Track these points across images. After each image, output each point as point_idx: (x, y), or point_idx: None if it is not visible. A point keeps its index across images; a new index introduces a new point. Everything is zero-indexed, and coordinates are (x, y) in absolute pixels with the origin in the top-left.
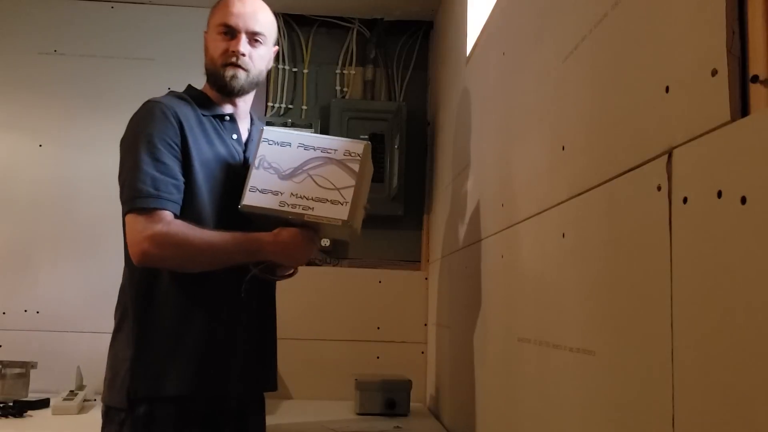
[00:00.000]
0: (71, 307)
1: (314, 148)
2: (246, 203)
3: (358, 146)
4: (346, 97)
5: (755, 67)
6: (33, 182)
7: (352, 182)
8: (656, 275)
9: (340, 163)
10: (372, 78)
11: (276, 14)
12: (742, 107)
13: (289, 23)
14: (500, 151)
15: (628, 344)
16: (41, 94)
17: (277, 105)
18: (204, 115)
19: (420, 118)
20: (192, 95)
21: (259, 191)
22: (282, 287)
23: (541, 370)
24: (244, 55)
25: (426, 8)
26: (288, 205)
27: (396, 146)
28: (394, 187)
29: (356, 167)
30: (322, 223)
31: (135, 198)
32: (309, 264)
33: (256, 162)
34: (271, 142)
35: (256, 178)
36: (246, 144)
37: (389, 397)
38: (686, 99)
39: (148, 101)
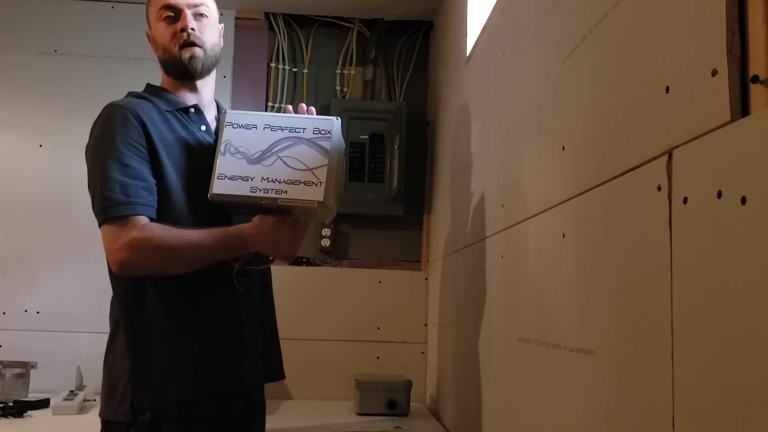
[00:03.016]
0: (71, 307)
1: (281, 129)
2: (215, 192)
3: (327, 123)
4: (346, 97)
5: (755, 67)
6: (33, 182)
7: (325, 161)
8: (656, 275)
9: (311, 142)
10: (372, 78)
11: (276, 14)
12: (742, 107)
13: (289, 23)
14: (500, 151)
15: (628, 344)
16: (41, 94)
17: (276, 105)
18: (167, 111)
19: (420, 118)
20: (152, 92)
21: (228, 178)
22: (282, 288)
23: (541, 370)
24: (193, 29)
25: (426, 8)
26: (260, 190)
27: (396, 146)
28: (394, 187)
29: (327, 145)
30: (296, 206)
31: (106, 208)
32: (309, 264)
33: (222, 148)
34: (235, 126)
35: (223, 164)
36: (216, 133)
37: (389, 398)
38: (686, 99)
39: (107, 106)
